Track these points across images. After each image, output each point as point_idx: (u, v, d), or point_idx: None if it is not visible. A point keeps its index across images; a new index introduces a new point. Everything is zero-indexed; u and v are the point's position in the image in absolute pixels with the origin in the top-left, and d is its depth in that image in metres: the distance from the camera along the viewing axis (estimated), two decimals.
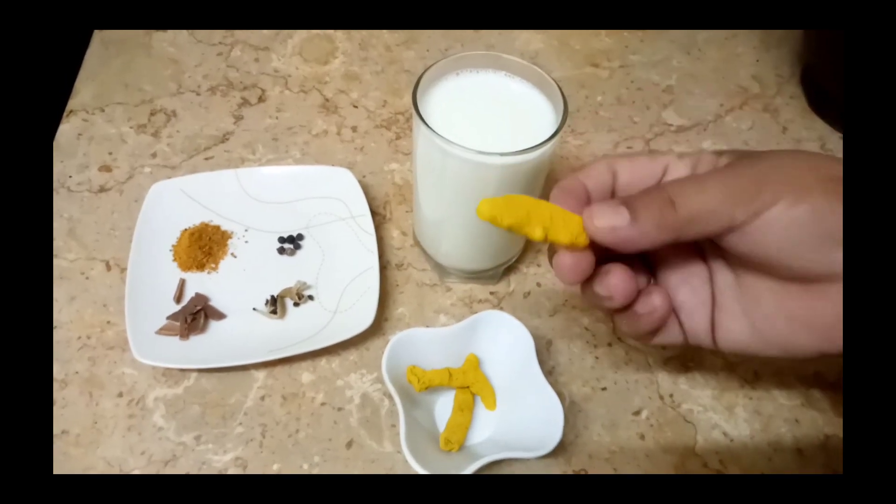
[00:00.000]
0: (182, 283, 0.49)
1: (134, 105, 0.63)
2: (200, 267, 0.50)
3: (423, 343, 0.44)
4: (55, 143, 0.60)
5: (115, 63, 0.67)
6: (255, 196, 0.54)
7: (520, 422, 0.43)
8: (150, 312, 0.46)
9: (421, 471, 0.38)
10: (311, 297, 0.50)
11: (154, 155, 0.60)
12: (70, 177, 0.57)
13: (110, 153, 0.59)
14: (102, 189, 0.57)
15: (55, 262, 0.52)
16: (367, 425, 0.45)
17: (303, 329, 0.47)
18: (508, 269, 0.53)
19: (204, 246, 0.51)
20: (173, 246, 0.51)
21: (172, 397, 0.46)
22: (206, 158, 0.60)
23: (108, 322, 0.49)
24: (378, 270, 0.49)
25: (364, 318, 0.46)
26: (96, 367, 0.47)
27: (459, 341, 0.45)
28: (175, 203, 0.52)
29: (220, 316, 0.48)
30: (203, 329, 0.47)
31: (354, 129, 0.64)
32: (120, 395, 0.46)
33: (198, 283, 0.50)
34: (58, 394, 0.46)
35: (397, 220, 0.56)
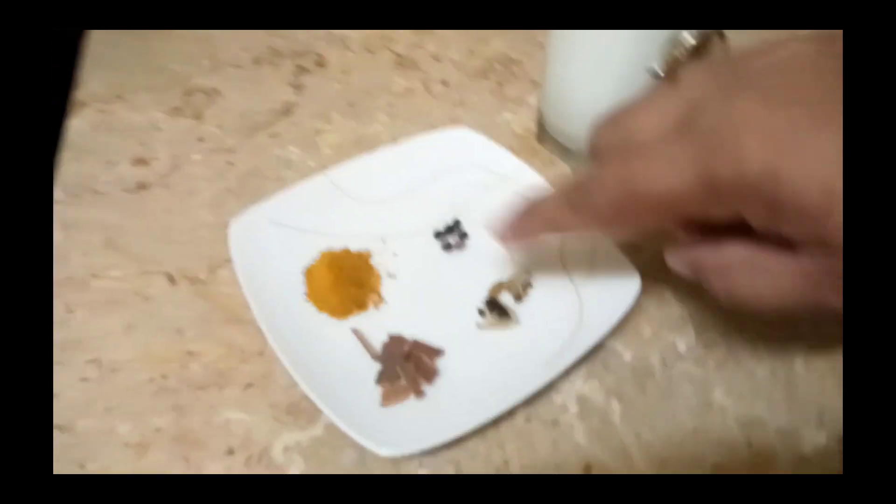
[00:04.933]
0: (360, 336, 0.34)
1: (162, 88, 0.49)
2: (361, 306, 0.35)
3: None
4: (67, 142, 0.45)
5: (128, 45, 0.53)
6: (368, 198, 0.40)
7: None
8: (345, 390, 0.31)
9: None
10: (529, 285, 0.36)
11: (201, 139, 0.46)
12: (94, 177, 0.43)
13: (142, 144, 0.45)
14: (142, 186, 0.42)
15: (96, 283, 0.37)
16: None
17: (556, 323, 0.34)
18: None
19: (352, 277, 0.36)
20: (307, 295, 0.36)
21: (310, 442, 0.31)
22: (272, 135, 0.46)
23: (190, 353, 0.34)
24: None
25: (621, 277, 0.34)
26: (186, 418, 0.32)
27: None
28: (272, 240, 0.37)
29: (437, 353, 0.33)
30: (430, 376, 0.32)
31: (445, 83, 0.51)
32: (230, 451, 0.31)
33: (373, 325, 0.35)
34: (137, 463, 0.30)
35: (539, 171, 0.43)
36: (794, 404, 0.33)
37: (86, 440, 0.31)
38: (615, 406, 0.32)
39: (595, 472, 0.30)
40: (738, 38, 0.44)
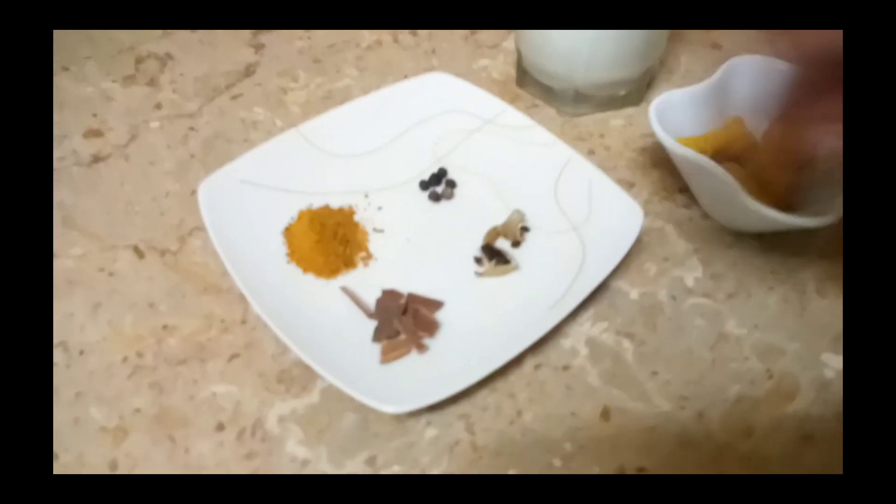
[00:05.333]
0: (350, 293, 0.32)
1: (110, 56, 0.46)
2: (349, 263, 0.33)
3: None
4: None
5: None
6: (344, 152, 0.37)
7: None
8: (341, 351, 0.29)
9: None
10: (525, 229, 0.34)
11: (158, 106, 0.42)
12: None
13: (94, 115, 0.42)
14: (97, 159, 0.39)
15: (55, 263, 0.34)
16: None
17: (557, 264, 0.32)
18: None
19: (337, 234, 0.33)
20: (289, 256, 0.33)
21: (306, 410, 0.29)
22: (234, 97, 0.43)
23: (165, 327, 0.31)
24: (583, 156, 0.33)
25: (622, 212, 0.32)
26: (167, 396, 0.29)
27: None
28: (245, 201, 0.34)
29: (436, 305, 0.31)
30: (431, 329, 0.30)
31: (414, 32, 0.48)
32: (220, 427, 0.28)
33: (365, 283, 0.32)
34: (117, 448, 0.28)
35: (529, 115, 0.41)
36: (810, 330, 0.32)
37: (56, 429, 0.28)
38: (627, 345, 0.31)
39: (613, 415, 0.28)
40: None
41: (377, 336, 0.29)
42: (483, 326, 0.30)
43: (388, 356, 0.28)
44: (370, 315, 0.30)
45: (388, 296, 0.31)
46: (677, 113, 0.34)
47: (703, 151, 0.33)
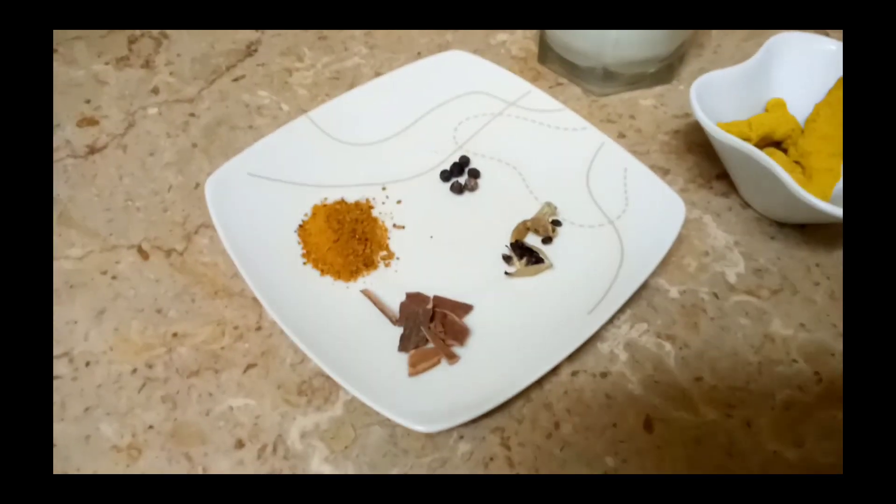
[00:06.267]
0: (372, 297, 0.29)
1: (100, 36, 0.43)
2: (370, 264, 0.30)
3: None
4: None
5: None
6: (358, 140, 0.35)
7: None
8: (365, 361, 0.27)
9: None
10: (557, 223, 0.32)
11: (155, 90, 0.39)
12: None
13: (88, 101, 0.39)
14: (93, 149, 0.37)
15: (53, 265, 0.32)
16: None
17: (594, 262, 0.30)
18: None
19: (357, 232, 0.31)
20: (305, 257, 0.31)
21: (330, 424, 0.27)
22: (236, 80, 0.40)
23: (175, 335, 0.29)
24: (613, 141, 0.31)
25: (662, 203, 0.30)
26: (181, 411, 0.27)
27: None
28: (255, 196, 0.31)
29: (465, 309, 0.29)
30: (461, 336, 0.28)
31: None
32: (239, 444, 0.27)
33: (387, 285, 0.30)
34: (131, 468, 0.26)
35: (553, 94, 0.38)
36: None
37: (65, 447, 0.26)
38: (668, 349, 0.29)
39: (657, 425, 0.27)
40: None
41: (403, 345, 0.27)
42: (516, 332, 0.28)
43: (416, 368, 0.26)
44: (394, 321, 0.28)
45: (413, 299, 0.29)
46: (716, 95, 0.32)
47: (747, 138, 0.31)
